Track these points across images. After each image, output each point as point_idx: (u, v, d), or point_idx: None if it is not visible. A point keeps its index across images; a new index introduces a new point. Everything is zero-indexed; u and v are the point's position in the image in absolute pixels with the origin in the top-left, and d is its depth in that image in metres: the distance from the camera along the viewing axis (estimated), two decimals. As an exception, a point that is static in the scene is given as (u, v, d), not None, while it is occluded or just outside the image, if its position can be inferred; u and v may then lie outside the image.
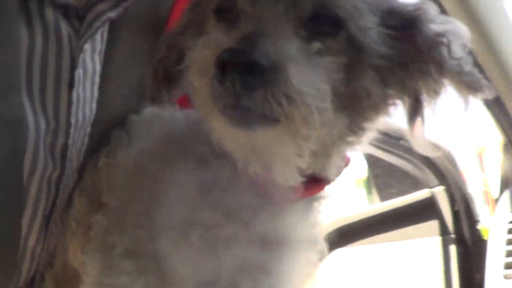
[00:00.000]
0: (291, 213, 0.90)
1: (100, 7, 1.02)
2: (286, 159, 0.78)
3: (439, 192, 2.17)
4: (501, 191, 2.16)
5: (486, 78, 0.77)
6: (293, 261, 0.93)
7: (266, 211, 0.87)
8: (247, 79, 0.66)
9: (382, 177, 2.40)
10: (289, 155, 0.77)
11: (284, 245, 0.90)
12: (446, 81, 0.78)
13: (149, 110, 1.11)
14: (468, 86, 0.75)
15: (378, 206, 2.40)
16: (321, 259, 0.99)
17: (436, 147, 2.13)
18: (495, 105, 1.89)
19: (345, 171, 0.92)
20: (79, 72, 1.03)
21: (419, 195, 2.21)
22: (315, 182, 0.88)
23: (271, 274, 0.90)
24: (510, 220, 1.90)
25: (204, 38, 0.77)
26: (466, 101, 0.77)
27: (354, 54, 0.74)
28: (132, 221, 0.90)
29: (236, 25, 0.75)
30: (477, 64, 0.78)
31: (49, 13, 0.97)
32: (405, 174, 2.26)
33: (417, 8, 0.79)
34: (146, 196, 0.90)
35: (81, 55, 1.03)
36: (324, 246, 0.98)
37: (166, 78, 0.91)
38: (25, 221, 1.01)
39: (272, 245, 0.89)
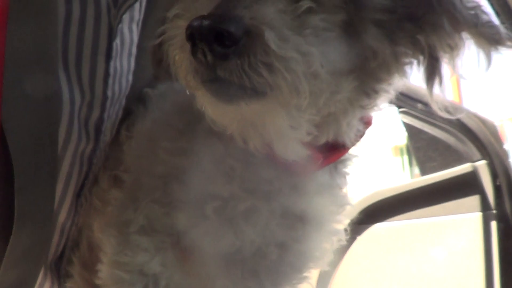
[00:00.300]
0: (313, 183, 0.87)
1: None
2: (282, 133, 0.73)
3: (481, 167, 2.13)
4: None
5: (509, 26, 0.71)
6: (321, 225, 0.91)
7: (286, 183, 0.85)
8: (218, 49, 0.61)
9: (423, 150, 2.36)
10: (284, 128, 0.72)
11: (310, 214, 0.88)
12: (463, 34, 0.71)
13: (164, 83, 1.07)
14: (487, 38, 0.69)
15: (419, 180, 2.38)
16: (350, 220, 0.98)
17: (479, 119, 2.10)
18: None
19: (372, 135, 0.87)
20: (116, 42, 1.00)
21: (460, 169, 2.17)
22: (334, 149, 0.83)
23: (299, 241, 0.89)
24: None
25: (178, 7, 0.72)
26: (488, 56, 0.70)
27: (353, 9, 0.67)
28: (146, 196, 0.88)
29: None
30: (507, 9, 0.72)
31: None
32: (447, 147, 2.22)
33: None
34: (160, 170, 0.87)
35: (119, 25, 1.00)
36: (354, 207, 0.96)
37: (164, 57, 0.85)
38: (56, 195, 0.98)
39: (296, 215, 0.87)
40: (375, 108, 0.80)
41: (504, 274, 2.04)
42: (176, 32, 0.70)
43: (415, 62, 0.75)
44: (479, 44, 0.70)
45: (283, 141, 0.75)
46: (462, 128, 2.09)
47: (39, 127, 0.89)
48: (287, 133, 0.72)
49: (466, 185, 2.15)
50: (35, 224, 0.94)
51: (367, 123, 0.84)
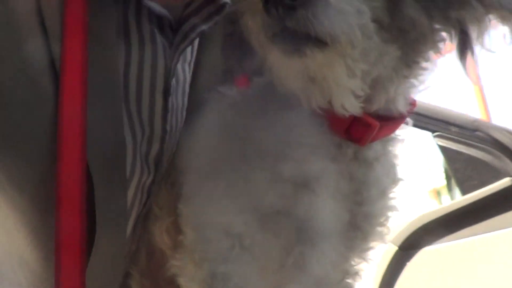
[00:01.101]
0: (371, 151, 0.93)
1: (194, 20, 1.07)
2: (340, 82, 0.82)
3: (520, 179, 2.15)
4: None
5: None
6: (383, 192, 0.97)
7: (349, 149, 0.92)
8: (287, 2, 0.72)
9: (462, 171, 2.40)
10: (341, 76, 0.81)
11: (371, 178, 0.94)
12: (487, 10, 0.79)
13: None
14: (509, 10, 0.77)
15: (461, 199, 2.39)
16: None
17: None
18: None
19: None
20: (173, 81, 1.08)
21: (500, 185, 2.19)
22: (387, 121, 0.91)
23: (363, 204, 0.94)
24: None
25: None
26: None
27: None
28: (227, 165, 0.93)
29: None
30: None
31: (145, 24, 1.03)
32: (484, 165, 2.24)
33: None
34: (237, 149, 0.92)
35: (176, 65, 1.08)
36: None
37: (236, 48, 0.97)
38: None
39: (359, 179, 0.93)
40: (417, 82, 0.89)
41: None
42: (247, 3, 0.82)
43: (447, 38, 0.84)
44: (502, 18, 0.79)
45: (340, 91, 0.83)
46: (497, 145, 2.13)
47: (108, 160, 0.98)
48: (344, 81, 0.82)
49: (507, 199, 2.17)
50: (114, 234, 1.01)
51: (411, 104, 0.93)
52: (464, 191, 2.41)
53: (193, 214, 0.94)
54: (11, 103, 0.91)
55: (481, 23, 0.81)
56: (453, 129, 2.13)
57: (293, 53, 0.78)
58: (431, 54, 0.87)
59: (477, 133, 2.14)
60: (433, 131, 2.17)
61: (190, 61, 1.15)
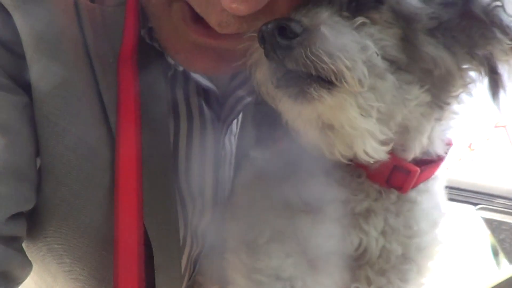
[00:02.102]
0: (413, 192, 0.90)
1: (240, 92, 1.05)
2: (355, 124, 0.73)
3: None
4: None
5: None
6: (430, 224, 0.92)
7: (392, 193, 0.88)
8: (282, 42, 0.68)
9: (508, 241, 2.42)
10: (355, 117, 0.72)
11: (419, 215, 0.91)
12: None
13: None
14: None
15: (509, 270, 2.33)
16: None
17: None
18: None
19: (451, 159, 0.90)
20: (221, 153, 1.07)
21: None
22: (426, 163, 0.87)
23: (413, 237, 0.90)
24: None
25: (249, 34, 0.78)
26: None
27: (404, 24, 0.72)
28: (268, 211, 0.90)
29: None
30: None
31: (193, 98, 1.02)
32: None
33: None
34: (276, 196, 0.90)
35: (225, 137, 1.07)
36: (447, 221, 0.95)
37: (265, 116, 0.92)
38: None
39: (407, 215, 0.90)
40: (449, 124, 0.86)
41: None
42: (254, 54, 0.78)
43: (477, 80, 0.79)
44: None
45: (358, 135, 0.75)
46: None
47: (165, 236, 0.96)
48: (359, 123, 0.73)
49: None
50: None
51: (447, 144, 0.89)
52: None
53: (241, 261, 0.90)
54: (70, 174, 0.87)
55: (510, 58, 0.76)
56: (496, 200, 2.18)
57: (299, 95, 0.71)
58: (463, 96, 0.82)
59: (521, 201, 2.16)
60: (475, 204, 2.21)
61: (235, 133, 1.13)
